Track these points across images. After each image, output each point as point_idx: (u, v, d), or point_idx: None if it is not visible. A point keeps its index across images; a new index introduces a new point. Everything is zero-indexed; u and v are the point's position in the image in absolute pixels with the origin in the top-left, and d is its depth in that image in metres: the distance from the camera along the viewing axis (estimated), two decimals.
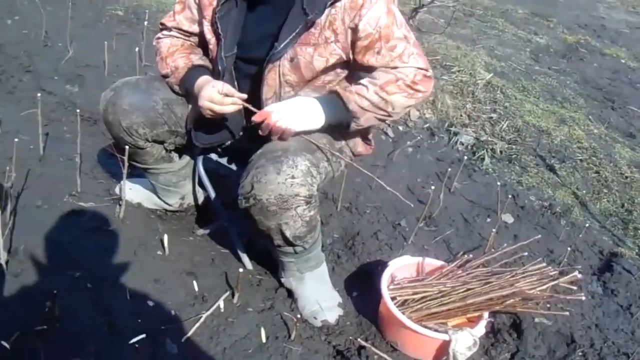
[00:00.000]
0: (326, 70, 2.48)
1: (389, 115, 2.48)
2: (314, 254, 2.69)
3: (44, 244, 2.78)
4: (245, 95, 2.44)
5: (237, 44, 2.51)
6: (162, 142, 2.81)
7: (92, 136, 3.57)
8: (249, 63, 2.55)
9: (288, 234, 2.44)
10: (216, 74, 2.55)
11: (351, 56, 2.44)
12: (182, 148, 2.92)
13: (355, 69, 2.53)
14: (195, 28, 2.67)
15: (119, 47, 4.59)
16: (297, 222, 2.40)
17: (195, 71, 2.58)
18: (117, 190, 3.15)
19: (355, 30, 2.36)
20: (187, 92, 2.60)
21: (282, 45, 2.39)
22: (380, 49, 2.39)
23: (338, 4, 2.33)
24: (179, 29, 2.70)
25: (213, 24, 2.51)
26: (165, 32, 2.74)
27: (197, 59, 2.65)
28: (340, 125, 2.49)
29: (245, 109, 2.50)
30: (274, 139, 2.40)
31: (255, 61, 2.52)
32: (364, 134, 2.77)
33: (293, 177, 2.30)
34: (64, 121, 3.74)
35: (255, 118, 2.38)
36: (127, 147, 2.76)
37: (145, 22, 4.48)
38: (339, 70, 2.53)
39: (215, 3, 2.51)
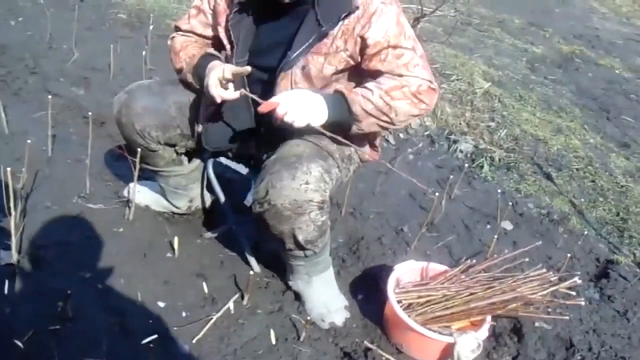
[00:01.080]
0: (336, 77, 2.54)
1: (392, 123, 2.49)
2: (323, 257, 2.74)
3: (54, 244, 2.82)
4: (248, 69, 2.43)
5: (250, 52, 2.57)
6: (173, 145, 2.86)
7: (99, 138, 3.60)
8: (262, 70, 2.59)
9: (300, 238, 2.48)
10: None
11: (359, 59, 2.49)
12: (192, 151, 2.96)
13: (362, 75, 2.57)
14: (208, 32, 2.72)
15: (123, 50, 4.63)
16: (309, 226, 2.45)
17: (207, 58, 2.60)
18: (125, 192, 3.19)
19: (364, 38, 2.41)
20: (200, 79, 2.59)
21: (295, 54, 2.44)
22: (387, 55, 2.42)
23: (351, 15, 2.39)
24: (193, 33, 2.75)
25: (227, 31, 2.56)
26: (179, 34, 2.78)
27: (211, 50, 2.69)
28: (340, 126, 2.49)
29: (256, 112, 2.55)
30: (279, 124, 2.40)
31: (267, 69, 2.57)
32: (371, 140, 2.83)
33: (307, 183, 2.36)
34: (70, 123, 3.77)
35: (262, 109, 2.39)
36: (139, 149, 2.80)
37: (151, 27, 4.52)
38: (347, 76, 2.58)
39: (229, 10, 2.55)
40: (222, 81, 2.43)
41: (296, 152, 2.44)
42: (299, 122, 2.36)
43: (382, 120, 2.47)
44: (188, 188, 3.13)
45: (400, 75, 2.44)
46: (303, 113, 2.36)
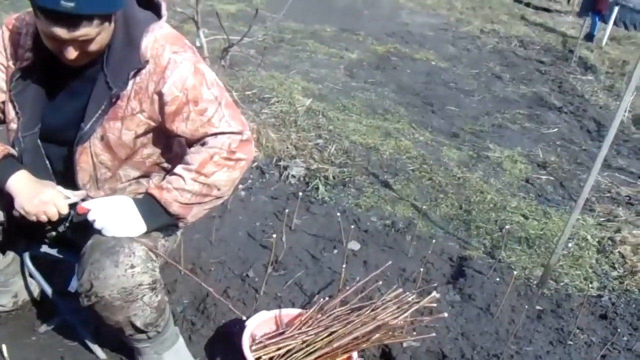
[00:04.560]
0: (140, 142, 2.34)
1: (218, 197, 2.33)
2: (169, 332, 2.55)
3: None
4: (84, 193, 2.34)
5: (45, 125, 2.32)
6: None
7: None
8: (60, 145, 2.36)
9: (139, 323, 2.30)
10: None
11: (160, 119, 2.28)
12: (4, 245, 2.65)
13: (168, 137, 2.39)
14: None
15: None
16: (145, 311, 2.27)
17: (11, 162, 2.31)
18: None
19: (160, 95, 2.21)
20: None
21: (88, 125, 2.23)
22: (189, 113, 2.24)
23: (142, 71, 2.19)
24: None
25: (11, 100, 2.30)
26: None
27: (12, 149, 2.36)
28: (166, 226, 2.36)
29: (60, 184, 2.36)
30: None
31: (65, 143, 2.33)
32: None
33: (132, 267, 2.17)
34: None
35: (79, 210, 2.25)
36: None
37: None
38: (152, 140, 2.38)
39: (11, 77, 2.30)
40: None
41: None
42: (108, 232, 2.20)
43: (207, 202, 2.31)
44: (9, 284, 2.83)
45: (205, 139, 2.28)
46: (114, 223, 2.21)
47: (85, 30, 2.02)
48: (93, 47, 2.11)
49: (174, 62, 2.20)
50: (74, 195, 2.32)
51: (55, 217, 2.26)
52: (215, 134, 2.27)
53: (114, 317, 2.24)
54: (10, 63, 2.31)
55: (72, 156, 2.30)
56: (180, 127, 2.26)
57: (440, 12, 10.23)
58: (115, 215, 2.22)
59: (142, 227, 2.25)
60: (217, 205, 2.39)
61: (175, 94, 2.20)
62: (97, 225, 2.20)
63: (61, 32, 1.99)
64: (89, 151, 2.28)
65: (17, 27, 2.31)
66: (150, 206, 2.25)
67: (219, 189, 2.28)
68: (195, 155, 2.26)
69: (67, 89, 2.30)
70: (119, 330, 2.35)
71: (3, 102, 2.38)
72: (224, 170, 2.25)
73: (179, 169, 2.26)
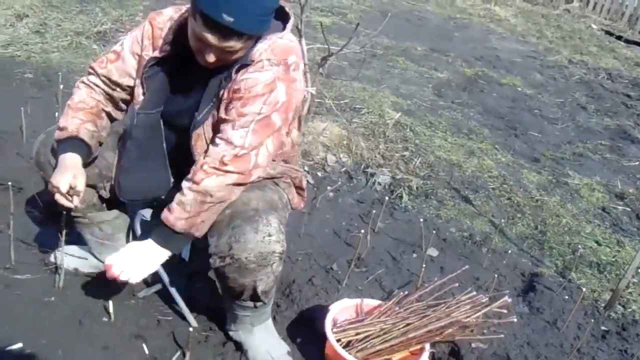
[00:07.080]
0: None
1: (217, 202, 2.40)
2: (268, 308, 2.77)
3: None
4: (81, 193, 2.49)
5: (165, 109, 2.56)
6: (93, 187, 2.76)
7: (18, 205, 3.40)
8: (178, 132, 2.58)
9: (260, 289, 2.51)
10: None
11: None
12: (115, 202, 2.86)
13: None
14: (125, 80, 2.61)
15: (34, 111, 4.46)
16: (269, 277, 2.49)
17: (71, 143, 2.54)
18: (52, 258, 3.07)
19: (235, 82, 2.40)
20: (55, 155, 2.56)
21: (201, 115, 2.44)
22: (234, 107, 2.38)
23: (244, 67, 2.37)
24: (108, 78, 2.62)
25: (142, 82, 2.52)
26: (91, 78, 2.65)
27: (87, 132, 2.58)
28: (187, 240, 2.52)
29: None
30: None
31: (181, 129, 2.55)
32: (297, 184, 2.83)
33: (269, 235, 2.39)
34: None
35: (107, 275, 2.44)
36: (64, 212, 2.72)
37: (61, 86, 4.32)
38: None
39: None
40: (70, 189, 2.45)
41: (252, 206, 2.45)
42: (135, 279, 2.44)
43: (206, 209, 2.39)
44: (115, 238, 3.00)
45: (217, 134, 2.42)
46: (138, 266, 2.43)
47: (233, 43, 2.23)
48: (231, 57, 2.32)
49: (260, 66, 2.35)
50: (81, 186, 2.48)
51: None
52: (222, 139, 2.38)
53: (242, 280, 2.46)
54: (144, 53, 2.53)
55: (189, 141, 2.49)
56: (222, 114, 2.41)
57: (530, 39, 10.18)
58: (133, 258, 2.43)
59: (163, 254, 2.46)
60: (221, 206, 2.44)
61: (241, 87, 2.35)
62: (123, 277, 2.40)
63: (212, 39, 2.20)
64: (204, 137, 2.47)
65: (159, 23, 2.54)
66: (161, 232, 2.44)
67: (212, 195, 2.36)
68: (194, 166, 2.42)
69: (189, 82, 2.51)
70: (238, 294, 2.55)
71: (129, 87, 2.61)
72: (212, 177, 2.34)
73: (183, 181, 2.42)
